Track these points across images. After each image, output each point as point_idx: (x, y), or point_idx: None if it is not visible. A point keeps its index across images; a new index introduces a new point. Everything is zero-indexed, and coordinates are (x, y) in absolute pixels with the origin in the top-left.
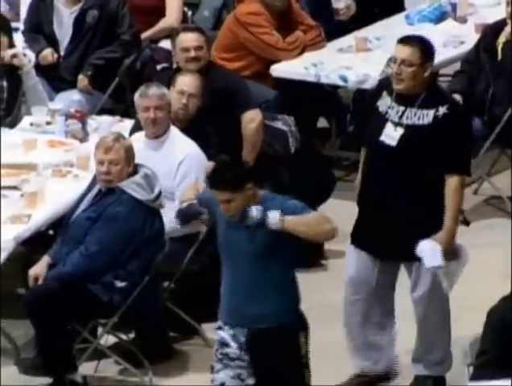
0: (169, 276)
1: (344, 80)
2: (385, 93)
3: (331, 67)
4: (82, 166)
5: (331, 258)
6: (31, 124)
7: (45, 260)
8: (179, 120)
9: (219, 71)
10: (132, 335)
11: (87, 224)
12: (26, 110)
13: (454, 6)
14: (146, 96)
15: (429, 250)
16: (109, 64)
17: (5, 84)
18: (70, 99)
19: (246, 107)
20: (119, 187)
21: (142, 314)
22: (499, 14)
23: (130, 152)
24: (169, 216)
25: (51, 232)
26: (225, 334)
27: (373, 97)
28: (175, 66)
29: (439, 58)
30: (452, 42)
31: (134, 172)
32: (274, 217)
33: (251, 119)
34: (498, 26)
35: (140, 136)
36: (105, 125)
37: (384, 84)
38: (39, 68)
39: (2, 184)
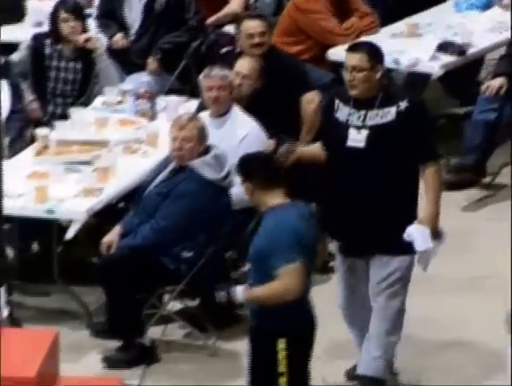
0: (232, 245)
1: (397, 63)
2: (341, 105)
3: (384, 51)
4: (151, 143)
5: None
6: (103, 103)
7: (117, 229)
8: (235, 100)
9: (280, 54)
10: (197, 302)
11: (158, 199)
12: (99, 91)
13: None
14: (209, 77)
15: (418, 234)
16: (176, 48)
17: (79, 66)
18: (140, 80)
19: (305, 89)
20: (190, 166)
21: (207, 282)
22: None
23: (202, 132)
24: (233, 190)
25: (121, 204)
26: None
27: (328, 111)
28: (238, 50)
29: (485, 43)
30: (498, 28)
31: (206, 152)
32: (238, 292)
33: (310, 100)
34: None
35: (204, 115)
36: (172, 105)
37: (335, 97)
38: (111, 52)
39: (76, 160)
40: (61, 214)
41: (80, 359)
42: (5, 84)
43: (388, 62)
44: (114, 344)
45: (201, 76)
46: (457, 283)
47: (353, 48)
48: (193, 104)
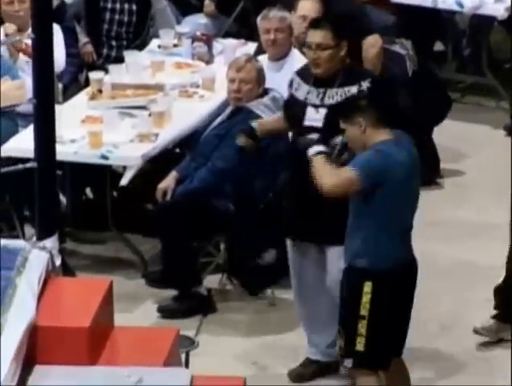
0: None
1: (460, 5)
2: (301, 82)
3: None
4: (207, 87)
5: (446, 176)
6: (159, 46)
7: (173, 175)
8: (301, 43)
9: None
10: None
11: (215, 141)
12: (155, 33)
13: None
14: (267, 19)
15: None
16: None
17: (134, 7)
18: (197, 22)
19: (368, 32)
20: (247, 107)
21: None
22: None
23: (260, 73)
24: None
25: (177, 150)
26: None
27: (289, 89)
28: None
29: None
30: None
31: (263, 94)
32: (313, 149)
33: (372, 44)
34: None
35: (263, 59)
36: (229, 48)
37: (294, 77)
38: None
39: (131, 104)
40: (115, 160)
41: (135, 308)
42: (58, 29)
43: (451, 4)
44: (170, 293)
45: (259, 18)
46: None
47: (316, 24)
48: (251, 47)
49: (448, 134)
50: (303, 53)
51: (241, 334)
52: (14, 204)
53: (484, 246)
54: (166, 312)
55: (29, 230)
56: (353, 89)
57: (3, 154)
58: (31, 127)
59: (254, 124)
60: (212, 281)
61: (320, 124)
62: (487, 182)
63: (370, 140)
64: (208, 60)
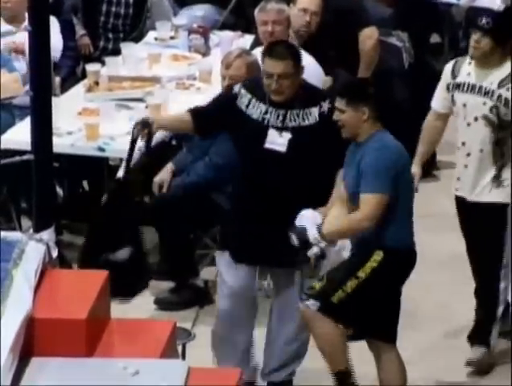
0: None
1: None
2: (253, 100)
3: None
4: (204, 79)
5: (442, 168)
6: (156, 38)
7: (169, 167)
8: (301, 36)
9: None
10: None
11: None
12: (151, 25)
13: None
14: (264, 11)
15: (309, 219)
16: None
17: None
18: (193, 15)
19: (364, 24)
20: None
21: None
22: None
23: (251, 68)
24: None
25: (174, 142)
26: None
27: (232, 102)
28: None
29: None
30: None
31: None
32: (313, 235)
33: (369, 36)
34: None
35: (260, 51)
36: (226, 40)
37: (243, 89)
38: None
39: (128, 96)
40: (112, 152)
41: (133, 300)
42: (55, 21)
43: None
44: (167, 285)
45: (257, 10)
46: None
47: (274, 54)
48: (247, 39)
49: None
50: (303, 47)
51: None
52: (11, 196)
53: None
54: (163, 304)
55: (26, 222)
56: (315, 110)
57: (0, 147)
58: (28, 119)
59: (151, 118)
60: (208, 272)
61: (283, 148)
62: None
63: (367, 130)
64: (205, 52)
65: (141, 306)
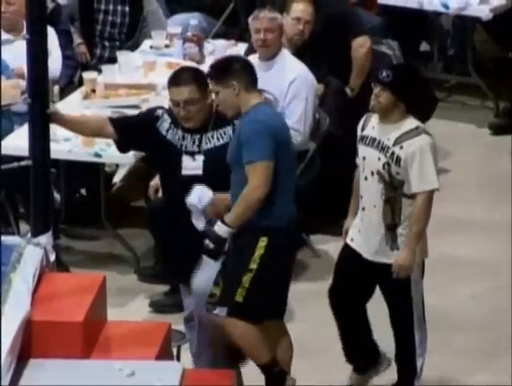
0: None
1: (446, 6)
2: (173, 126)
3: None
4: None
5: None
6: (151, 47)
7: None
8: (294, 44)
9: None
10: None
11: None
12: (147, 34)
13: None
14: (257, 19)
15: (198, 191)
16: None
17: (127, 9)
18: (188, 23)
19: (357, 33)
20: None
21: None
22: None
23: None
24: None
25: None
26: None
27: (154, 123)
28: None
29: None
30: None
31: None
32: (220, 228)
33: (361, 44)
34: None
35: (253, 58)
36: (220, 49)
37: (165, 113)
38: None
39: (124, 103)
40: (108, 158)
41: (128, 303)
42: (52, 31)
43: (436, 5)
44: (162, 288)
45: (250, 18)
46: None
47: (178, 81)
48: (241, 48)
49: (433, 133)
50: (296, 55)
51: None
52: (9, 201)
53: (467, 242)
54: (157, 306)
55: (24, 226)
56: (229, 129)
57: None
58: (26, 126)
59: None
60: None
61: (199, 171)
62: (472, 179)
63: (244, 103)
64: (199, 60)
65: (136, 309)
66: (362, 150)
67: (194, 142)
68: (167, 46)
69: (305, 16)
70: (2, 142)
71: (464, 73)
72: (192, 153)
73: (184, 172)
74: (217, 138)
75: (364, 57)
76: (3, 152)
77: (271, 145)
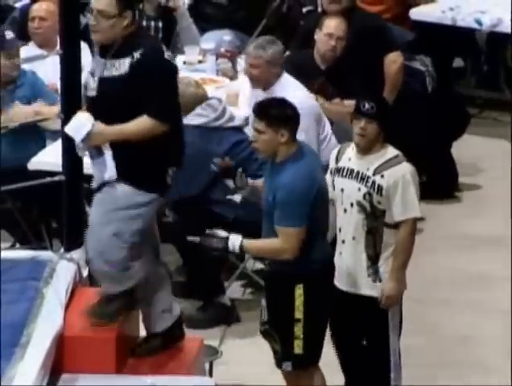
0: None
1: (479, 23)
2: (96, 54)
3: (467, 11)
4: (231, 102)
5: (465, 190)
6: (184, 62)
7: None
8: (326, 60)
9: (362, 13)
10: None
11: None
12: (180, 49)
13: None
14: (245, 53)
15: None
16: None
17: (160, 24)
18: (221, 39)
19: (390, 48)
20: None
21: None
22: None
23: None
24: None
25: None
26: None
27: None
28: (320, 9)
29: None
30: None
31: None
32: (235, 241)
33: (394, 60)
34: None
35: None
36: None
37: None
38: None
39: None
40: None
41: None
42: (86, 47)
43: (470, 22)
44: (195, 304)
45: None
46: None
47: None
48: None
49: (466, 149)
50: (328, 71)
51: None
52: (42, 217)
53: (500, 258)
54: (190, 322)
55: (57, 242)
56: (126, 61)
57: (32, 168)
58: (59, 141)
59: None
60: (235, 291)
61: (94, 92)
62: (504, 195)
63: (284, 151)
64: (232, 76)
65: None
66: (339, 183)
67: (102, 66)
68: (200, 61)
69: (338, 32)
70: (35, 158)
71: (497, 89)
72: (93, 74)
73: (88, 93)
74: (116, 68)
75: (396, 73)
76: (36, 168)
77: (306, 212)
